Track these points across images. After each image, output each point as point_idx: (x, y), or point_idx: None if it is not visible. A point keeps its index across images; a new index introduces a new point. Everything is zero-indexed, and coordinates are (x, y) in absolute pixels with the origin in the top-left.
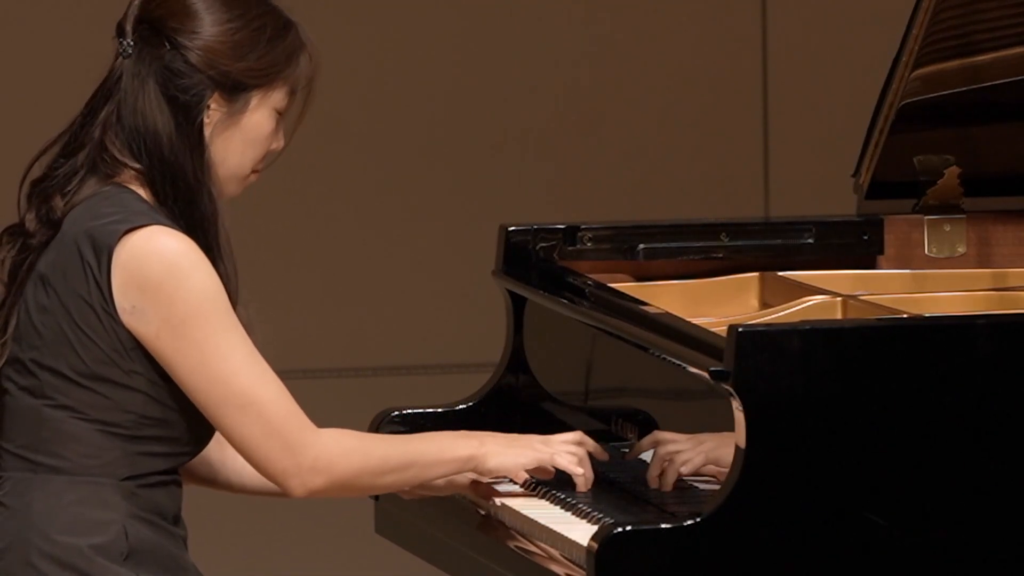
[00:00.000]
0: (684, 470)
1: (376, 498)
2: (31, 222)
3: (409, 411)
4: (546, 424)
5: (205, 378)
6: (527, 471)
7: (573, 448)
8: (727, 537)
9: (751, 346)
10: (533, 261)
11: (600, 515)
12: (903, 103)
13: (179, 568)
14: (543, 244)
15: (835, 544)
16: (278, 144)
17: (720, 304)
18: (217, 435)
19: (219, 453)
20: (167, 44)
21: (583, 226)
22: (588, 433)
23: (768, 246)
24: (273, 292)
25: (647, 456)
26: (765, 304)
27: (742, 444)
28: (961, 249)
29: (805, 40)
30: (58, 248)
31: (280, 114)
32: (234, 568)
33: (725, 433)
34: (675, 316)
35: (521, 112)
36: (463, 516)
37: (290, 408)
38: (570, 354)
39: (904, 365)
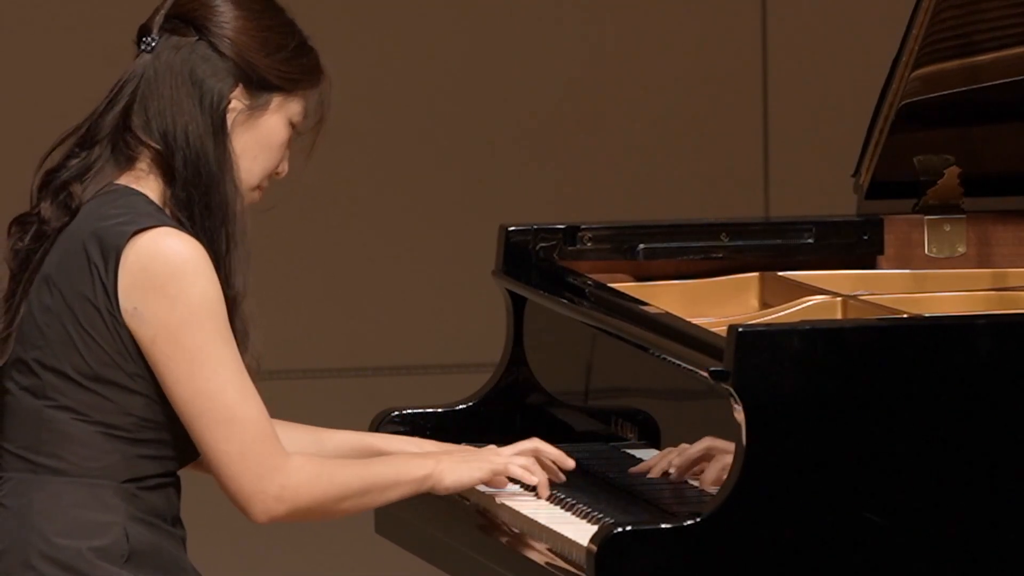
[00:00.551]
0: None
1: None
2: (47, 210)
3: (409, 411)
4: (546, 425)
5: (192, 388)
6: (484, 484)
7: (524, 460)
8: (727, 537)
9: (751, 346)
10: (533, 261)
11: (600, 515)
12: (903, 103)
13: (179, 570)
14: (543, 244)
15: (835, 544)
16: (283, 168)
17: (720, 304)
18: None
19: None
20: (196, 32)
21: (583, 226)
22: (588, 435)
23: (768, 246)
24: (273, 292)
25: (646, 456)
26: (765, 304)
27: (742, 444)
28: (961, 249)
29: (805, 40)
30: (63, 249)
31: (293, 129)
32: (234, 568)
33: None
34: (675, 316)
35: (521, 112)
36: (463, 516)
37: (267, 431)
38: (570, 354)
39: (904, 365)
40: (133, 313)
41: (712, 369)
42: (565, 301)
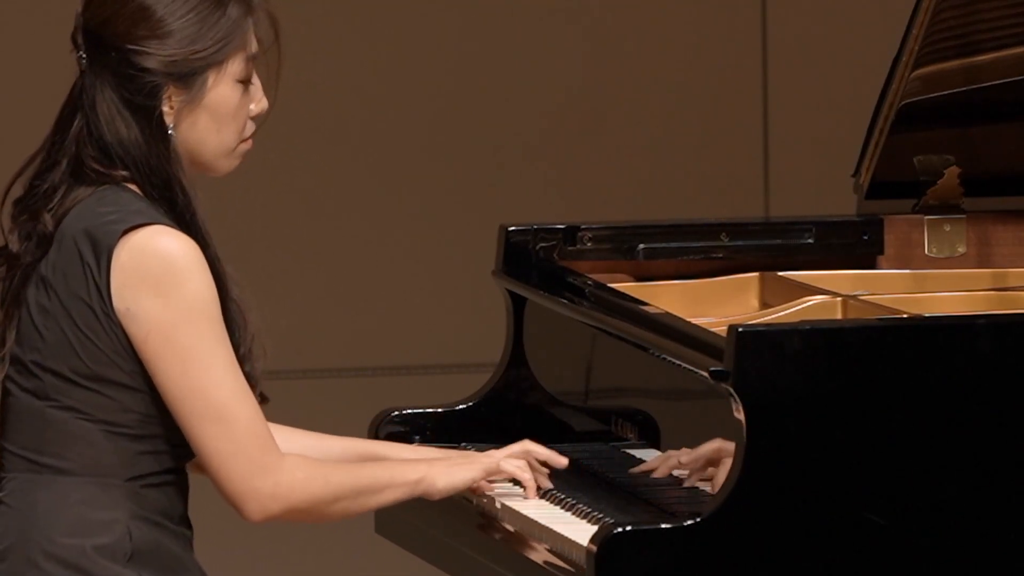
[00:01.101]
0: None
1: None
2: (15, 243)
3: (409, 411)
4: (546, 425)
5: (184, 387)
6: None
7: (517, 460)
8: (727, 537)
9: (751, 346)
10: (533, 261)
11: (600, 515)
12: (903, 103)
13: (183, 569)
14: (543, 244)
15: (835, 544)
16: (260, 107)
17: (720, 304)
18: None
19: None
20: (112, 51)
21: (583, 226)
22: (588, 434)
23: (768, 246)
24: (274, 292)
25: (646, 456)
26: (765, 304)
27: (742, 444)
28: (961, 249)
29: (805, 40)
30: (58, 249)
31: (244, 82)
32: (235, 568)
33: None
34: (675, 316)
35: (521, 112)
36: (463, 516)
37: (260, 429)
38: (570, 354)
39: (904, 365)
40: (126, 312)
41: (712, 369)
42: (565, 301)
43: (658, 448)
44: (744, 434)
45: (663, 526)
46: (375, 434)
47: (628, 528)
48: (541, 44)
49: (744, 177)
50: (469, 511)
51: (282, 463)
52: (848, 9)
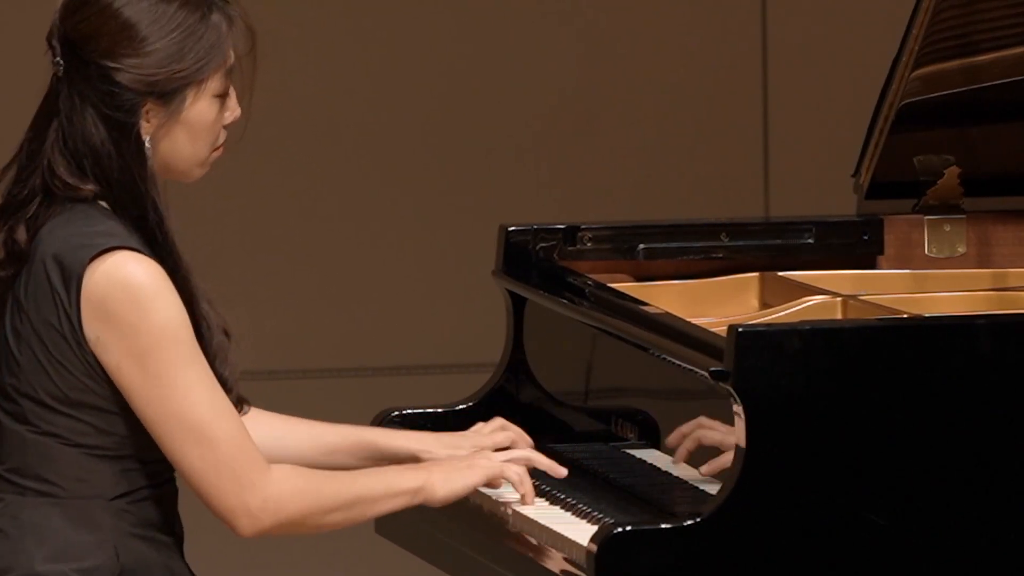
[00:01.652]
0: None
1: None
2: None
3: (409, 411)
4: (546, 425)
5: (163, 412)
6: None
7: (518, 468)
8: (727, 537)
9: (751, 346)
10: (533, 261)
11: (600, 515)
12: (903, 103)
13: None
14: (543, 244)
15: (835, 544)
16: (233, 116)
17: (720, 304)
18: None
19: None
20: (92, 66)
21: (583, 226)
22: (588, 434)
23: (768, 246)
24: (273, 292)
25: (646, 456)
26: (765, 304)
27: (742, 444)
28: (961, 249)
29: (805, 40)
30: (28, 272)
31: (222, 96)
32: (234, 568)
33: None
34: (675, 316)
35: (521, 112)
36: (463, 516)
37: (245, 446)
38: (570, 354)
39: (904, 365)
40: (96, 341)
41: (712, 369)
42: (565, 301)
43: (658, 448)
44: (744, 434)
45: (663, 526)
46: None
47: (628, 528)
48: (540, 43)
49: (744, 177)
50: (469, 511)
51: (270, 477)
52: (848, 9)
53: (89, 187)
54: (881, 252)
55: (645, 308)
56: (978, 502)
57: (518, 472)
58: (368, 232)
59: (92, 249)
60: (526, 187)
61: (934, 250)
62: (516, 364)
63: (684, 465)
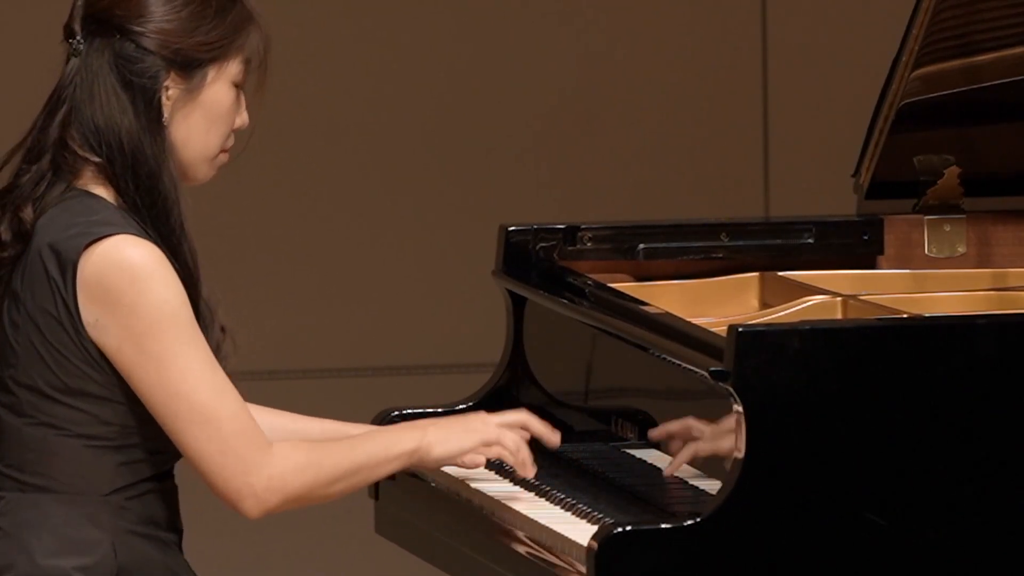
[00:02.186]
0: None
1: (376, 497)
2: (4, 232)
3: (409, 411)
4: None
5: (164, 392)
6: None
7: (514, 436)
8: (727, 537)
9: (751, 346)
10: (533, 261)
11: (600, 515)
12: (903, 103)
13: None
14: (543, 244)
15: (835, 544)
16: (242, 121)
17: (720, 304)
18: None
19: None
20: (117, 33)
21: (583, 226)
22: (588, 434)
23: (768, 246)
24: (273, 292)
25: (646, 456)
26: (765, 304)
27: (742, 444)
28: (961, 249)
29: (805, 40)
30: (25, 263)
31: (238, 87)
32: (234, 568)
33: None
34: (675, 316)
35: (521, 112)
36: (463, 516)
37: (247, 426)
38: (570, 354)
39: (904, 365)
40: (95, 325)
41: (712, 369)
42: (565, 301)
43: (658, 448)
44: (744, 434)
45: (663, 526)
46: None
47: (628, 528)
48: (540, 44)
49: (744, 177)
50: (469, 511)
51: (272, 455)
52: (848, 9)
53: (96, 159)
54: (881, 252)
55: (645, 308)
56: (978, 502)
57: (514, 439)
58: (368, 232)
59: (88, 236)
60: (526, 187)
61: (934, 250)
62: (516, 364)
63: (684, 465)
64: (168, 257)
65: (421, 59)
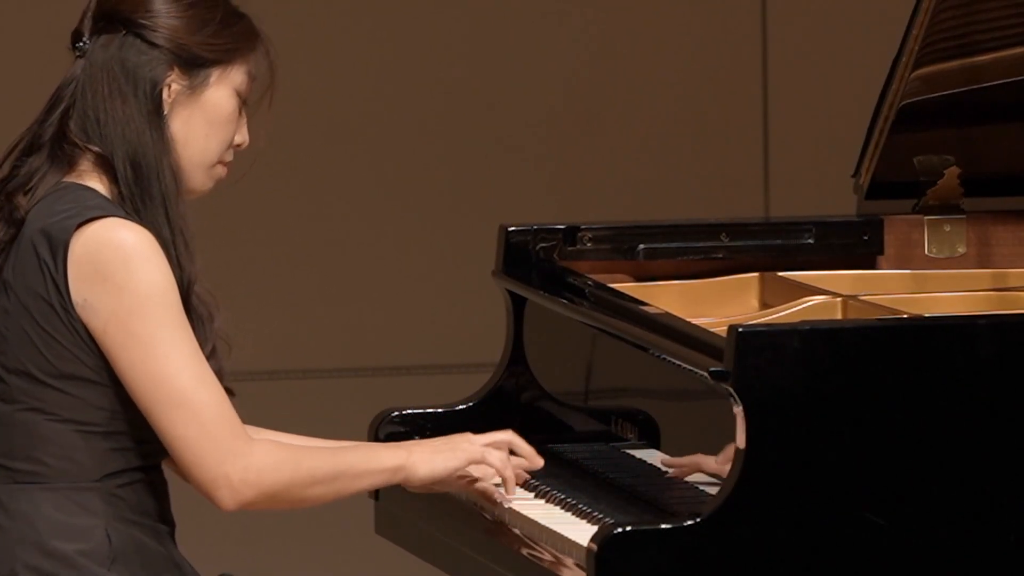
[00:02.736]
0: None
1: (376, 498)
2: None
3: (409, 411)
4: (546, 425)
5: (145, 374)
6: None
7: (499, 453)
8: (727, 537)
9: (751, 346)
10: (533, 261)
11: (600, 515)
12: (903, 103)
13: (171, 564)
14: (543, 244)
15: (835, 544)
16: (243, 138)
17: (720, 304)
18: None
19: None
20: (123, 27)
21: (583, 226)
22: (588, 434)
23: (768, 246)
24: (273, 292)
25: (646, 456)
26: (765, 304)
27: (742, 444)
28: (961, 249)
29: (805, 40)
30: (16, 252)
31: (241, 99)
32: (233, 568)
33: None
34: (675, 316)
35: (521, 112)
36: (463, 516)
37: (227, 414)
38: (570, 354)
39: (904, 365)
40: (84, 305)
41: (712, 369)
42: (565, 301)
43: (658, 448)
44: (744, 434)
45: (663, 526)
46: (375, 434)
47: (628, 528)
48: (541, 43)
49: (744, 177)
50: (469, 511)
51: (251, 448)
52: (848, 9)
53: (95, 149)
54: (881, 252)
55: (645, 308)
56: (978, 502)
57: (500, 458)
58: (368, 232)
59: (80, 218)
60: (526, 187)
61: (934, 250)
62: (516, 364)
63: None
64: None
65: (421, 59)
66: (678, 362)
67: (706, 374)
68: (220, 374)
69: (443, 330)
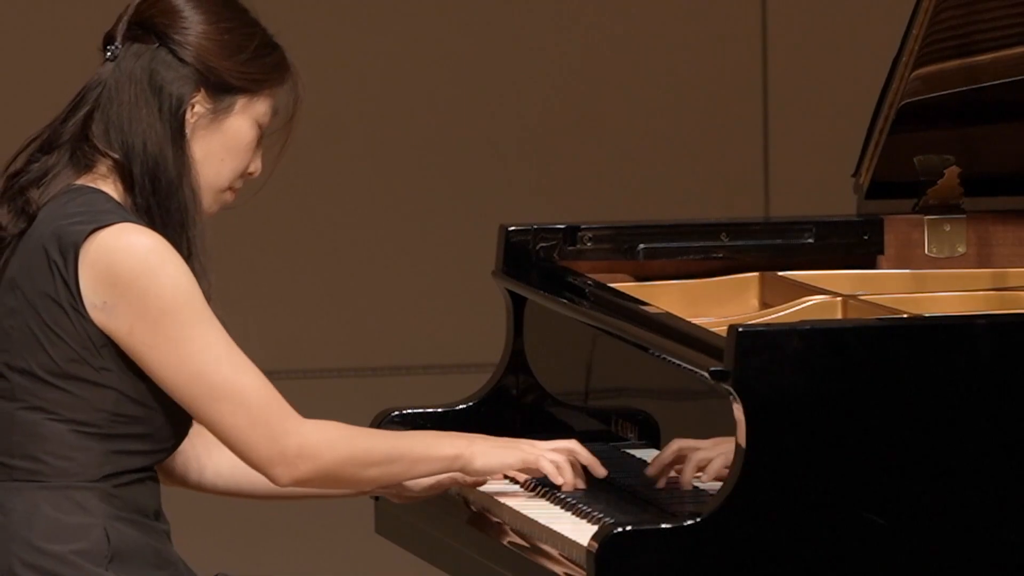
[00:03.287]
0: (704, 478)
1: (376, 498)
2: (4, 216)
3: (409, 411)
4: (546, 425)
5: (185, 373)
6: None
7: (558, 457)
8: (727, 537)
9: (751, 346)
10: (533, 261)
11: (600, 515)
12: (903, 103)
13: (167, 563)
14: (543, 244)
15: (835, 544)
16: (256, 167)
17: (720, 304)
18: (202, 437)
19: (205, 455)
20: (156, 40)
21: (583, 226)
22: (588, 434)
23: (768, 246)
24: (273, 292)
25: (646, 456)
26: (765, 304)
27: (742, 444)
28: (961, 249)
29: (805, 40)
30: (25, 251)
31: (261, 130)
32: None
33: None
34: (675, 316)
35: (521, 112)
36: (463, 516)
37: (272, 396)
38: (570, 354)
39: (904, 365)
40: (102, 307)
41: (712, 369)
42: (565, 301)
43: (658, 448)
44: (744, 434)
45: (663, 526)
46: None
47: (628, 528)
48: (540, 43)
49: (744, 177)
50: (469, 511)
51: (303, 425)
52: (848, 9)
53: (114, 156)
54: (881, 252)
55: (645, 308)
56: (978, 502)
57: (555, 461)
58: (368, 232)
59: (93, 223)
60: (526, 187)
61: (934, 250)
62: (516, 364)
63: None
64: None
65: (421, 59)
66: (678, 362)
67: (706, 374)
68: None
69: (443, 330)
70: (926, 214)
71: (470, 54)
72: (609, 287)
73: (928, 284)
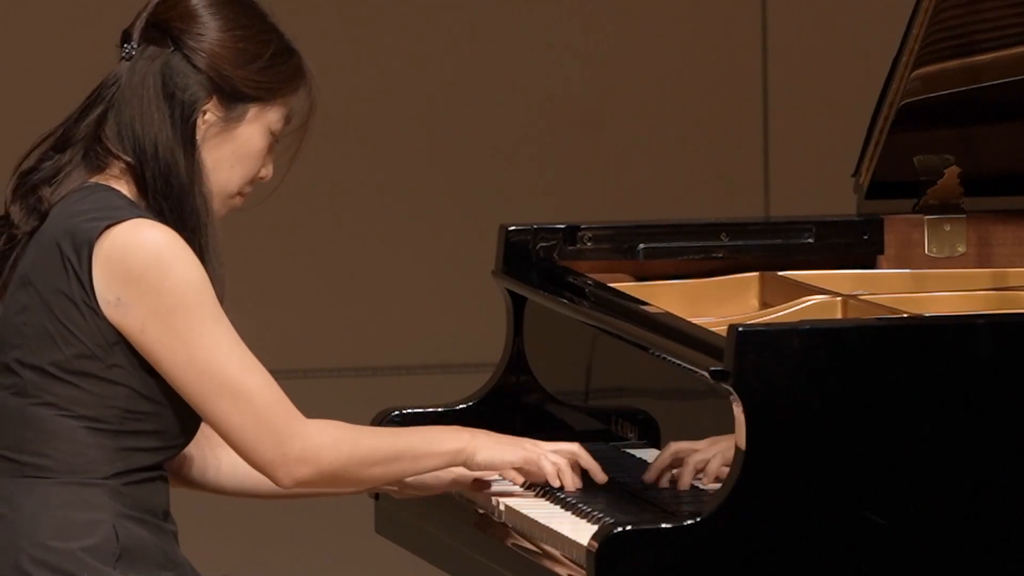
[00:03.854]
0: (705, 480)
1: (376, 497)
2: (16, 213)
3: (409, 411)
4: (546, 425)
5: (193, 369)
6: (515, 469)
7: (559, 459)
8: (727, 537)
9: (751, 346)
10: (533, 261)
11: (600, 515)
12: (903, 103)
13: (174, 564)
14: (543, 244)
15: (835, 544)
16: (267, 172)
17: (720, 304)
18: (207, 437)
19: (210, 455)
20: (172, 44)
21: (583, 226)
22: (588, 434)
23: (768, 246)
24: (274, 292)
25: (646, 456)
26: (765, 304)
27: (742, 444)
28: (961, 249)
29: (805, 40)
30: (38, 248)
31: (274, 136)
32: (234, 567)
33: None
34: (675, 316)
35: (521, 112)
36: (463, 515)
37: (278, 397)
38: (570, 354)
39: (904, 365)
40: (116, 304)
41: (712, 369)
42: (565, 301)
43: (658, 448)
44: (744, 434)
45: (663, 526)
46: None
47: (628, 528)
48: (541, 43)
49: (744, 177)
50: (469, 510)
51: (307, 427)
52: (848, 9)
53: (127, 159)
54: (881, 252)
55: (645, 308)
56: (978, 502)
57: (555, 462)
58: (368, 232)
59: (106, 220)
60: (526, 187)
61: (934, 250)
62: (516, 364)
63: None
64: None
65: (421, 59)
66: (678, 362)
67: (706, 374)
68: None
69: (443, 330)
70: (926, 214)
71: (471, 54)
72: (609, 287)
73: (928, 284)
